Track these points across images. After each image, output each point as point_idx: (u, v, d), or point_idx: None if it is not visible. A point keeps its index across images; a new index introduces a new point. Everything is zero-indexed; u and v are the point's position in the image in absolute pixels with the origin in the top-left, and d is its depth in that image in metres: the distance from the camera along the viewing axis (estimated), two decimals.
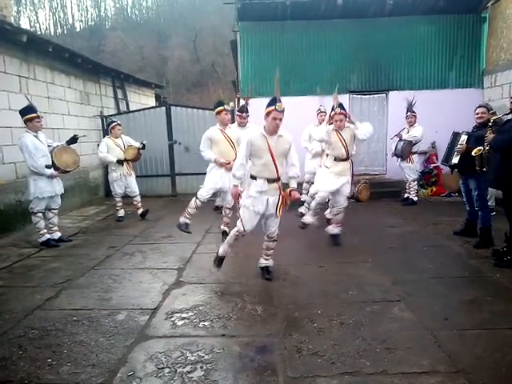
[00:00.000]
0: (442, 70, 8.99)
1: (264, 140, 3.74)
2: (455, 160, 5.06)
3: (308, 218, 5.38)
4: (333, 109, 5.10)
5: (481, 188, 4.86)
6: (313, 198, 5.81)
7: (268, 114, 3.66)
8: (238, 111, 5.73)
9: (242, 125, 5.74)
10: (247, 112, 5.72)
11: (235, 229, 3.98)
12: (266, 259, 4.16)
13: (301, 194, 7.06)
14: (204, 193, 5.23)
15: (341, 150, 5.04)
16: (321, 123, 7.06)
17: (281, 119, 3.67)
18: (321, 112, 7.12)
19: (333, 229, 5.25)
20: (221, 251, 4.09)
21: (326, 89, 8.78)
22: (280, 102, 3.64)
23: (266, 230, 4.03)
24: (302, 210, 6.74)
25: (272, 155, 3.73)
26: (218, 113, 5.24)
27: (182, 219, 5.31)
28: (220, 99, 5.46)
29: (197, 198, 5.25)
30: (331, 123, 5.20)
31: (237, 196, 4.02)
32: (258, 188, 3.78)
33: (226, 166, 5.13)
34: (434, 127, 8.20)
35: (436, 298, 3.53)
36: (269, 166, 3.75)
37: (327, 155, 5.24)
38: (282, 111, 3.64)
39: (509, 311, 3.22)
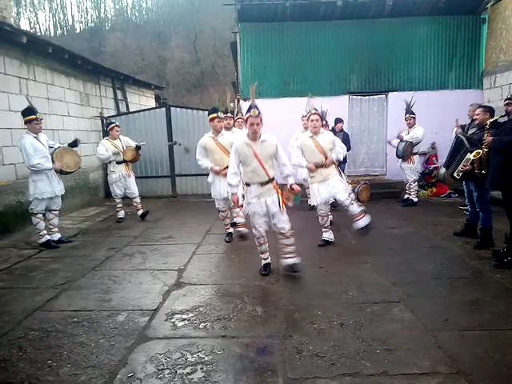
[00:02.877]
0: (441, 71, 9.00)
1: (249, 147, 3.92)
2: (458, 176, 4.91)
3: (325, 236, 5.28)
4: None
5: (481, 189, 4.86)
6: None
7: (246, 120, 3.89)
8: (224, 113, 5.76)
9: (229, 126, 5.78)
10: (232, 114, 5.78)
11: (255, 237, 4.21)
12: (289, 257, 4.14)
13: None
14: (220, 204, 5.48)
15: (319, 156, 4.91)
16: (306, 129, 7.04)
17: (257, 124, 3.85)
18: (303, 117, 7.07)
19: (358, 222, 4.93)
20: (263, 258, 4.29)
21: (325, 90, 8.81)
22: (255, 108, 3.84)
23: (277, 228, 4.10)
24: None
25: (259, 160, 3.90)
26: (211, 120, 5.26)
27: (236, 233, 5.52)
28: (214, 106, 5.54)
29: (218, 211, 5.57)
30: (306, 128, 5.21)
31: (237, 202, 4.24)
32: (253, 193, 3.99)
33: (221, 172, 5.23)
34: (433, 128, 8.22)
35: (436, 298, 3.53)
36: (258, 171, 3.93)
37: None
38: (257, 116, 3.83)
39: (509, 312, 3.22)
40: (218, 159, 5.28)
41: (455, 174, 4.96)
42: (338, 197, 4.94)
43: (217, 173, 5.29)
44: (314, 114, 4.91)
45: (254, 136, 3.89)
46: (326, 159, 4.93)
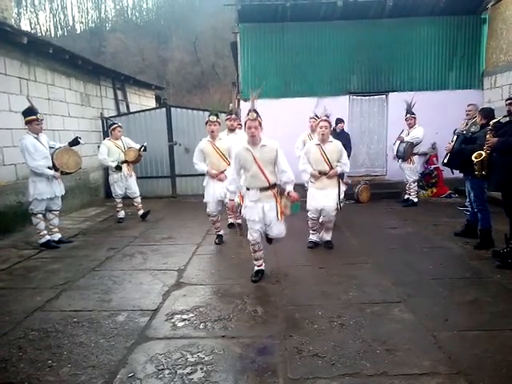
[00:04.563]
0: (441, 71, 9.00)
1: (248, 152, 3.85)
2: (445, 159, 5.14)
3: (312, 238, 5.25)
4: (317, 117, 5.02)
5: (476, 189, 4.85)
6: None
7: (245, 124, 3.83)
8: (227, 115, 5.74)
9: (232, 128, 5.75)
10: (236, 115, 5.76)
11: (250, 243, 4.09)
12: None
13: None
14: (211, 208, 5.35)
15: (323, 166, 4.87)
16: (312, 130, 7.01)
17: (255, 127, 3.76)
18: (311, 118, 7.03)
19: (325, 236, 5.20)
20: (257, 265, 4.19)
21: (325, 90, 8.81)
22: (254, 111, 3.77)
23: (272, 234, 4.05)
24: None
25: (259, 165, 3.82)
26: (206, 123, 5.29)
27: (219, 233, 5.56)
28: (211, 109, 5.52)
29: (208, 215, 5.44)
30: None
31: (233, 208, 4.22)
32: (251, 198, 3.92)
33: (218, 176, 5.21)
34: (434, 128, 8.20)
35: (436, 299, 3.53)
36: (257, 176, 3.85)
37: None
38: (254, 119, 3.75)
39: (509, 312, 3.22)
40: (215, 163, 5.25)
41: (445, 160, 5.07)
42: (325, 214, 4.96)
43: (212, 176, 5.24)
44: (324, 120, 4.84)
45: (253, 140, 3.80)
46: (331, 169, 4.88)
